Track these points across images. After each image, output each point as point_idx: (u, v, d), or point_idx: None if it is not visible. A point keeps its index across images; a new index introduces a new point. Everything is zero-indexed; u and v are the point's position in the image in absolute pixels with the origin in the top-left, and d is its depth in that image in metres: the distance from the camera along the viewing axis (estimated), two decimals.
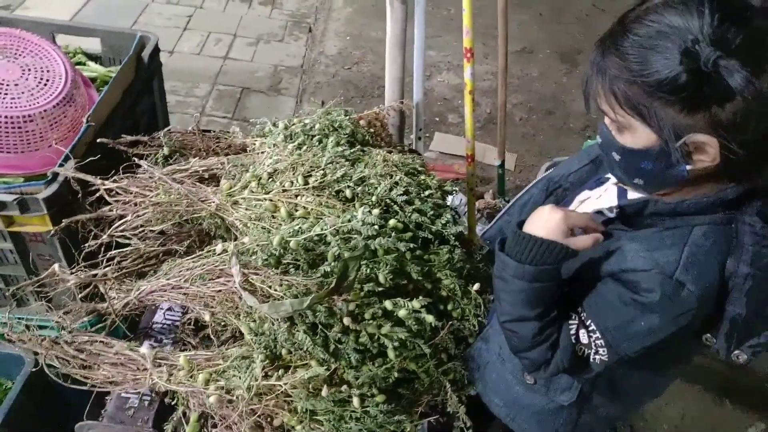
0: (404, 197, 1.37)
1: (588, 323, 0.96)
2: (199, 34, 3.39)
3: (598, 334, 0.94)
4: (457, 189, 2.44)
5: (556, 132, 3.07)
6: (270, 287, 1.13)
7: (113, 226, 1.23)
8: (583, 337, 0.97)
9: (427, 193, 1.45)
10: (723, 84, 0.74)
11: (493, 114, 3.04)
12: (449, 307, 1.34)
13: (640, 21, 0.81)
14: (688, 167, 0.84)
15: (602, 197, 1.08)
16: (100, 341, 1.15)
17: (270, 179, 1.32)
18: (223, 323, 1.22)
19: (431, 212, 1.41)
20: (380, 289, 1.20)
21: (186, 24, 3.45)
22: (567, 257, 0.93)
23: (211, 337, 1.22)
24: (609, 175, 1.10)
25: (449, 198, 1.67)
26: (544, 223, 0.94)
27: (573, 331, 0.98)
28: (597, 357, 0.96)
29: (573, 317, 0.99)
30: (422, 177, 1.52)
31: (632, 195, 1.01)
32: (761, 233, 0.86)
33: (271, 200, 1.27)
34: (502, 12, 1.93)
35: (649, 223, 0.93)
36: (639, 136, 0.85)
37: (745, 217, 0.87)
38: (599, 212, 0.99)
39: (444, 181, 1.59)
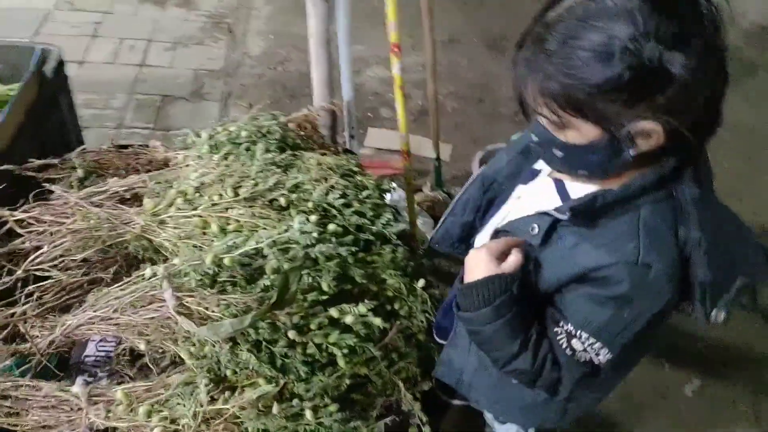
0: (342, 200, 1.34)
1: (576, 332, 0.95)
2: (110, 42, 3.21)
3: (591, 339, 0.94)
4: (395, 185, 2.43)
5: (488, 119, 3.10)
6: (207, 309, 1.07)
7: (28, 260, 1.14)
8: (577, 345, 0.96)
9: (365, 193, 1.42)
10: (665, 74, 0.75)
11: (425, 106, 3.03)
12: (396, 306, 1.32)
13: (567, 21, 0.79)
14: (632, 152, 0.84)
15: (540, 192, 1.07)
16: (27, 385, 1.06)
17: (197, 194, 1.26)
18: (161, 350, 1.16)
19: (371, 213, 1.39)
20: (324, 297, 1.17)
21: (95, 31, 3.26)
22: (512, 281, 0.94)
23: (150, 365, 1.15)
24: (540, 167, 1.10)
25: (388, 196, 1.65)
26: (475, 266, 0.97)
27: (564, 344, 0.97)
28: (600, 358, 0.96)
29: (558, 332, 0.98)
30: (359, 178, 1.50)
31: (571, 186, 1.00)
32: (699, 197, 0.89)
33: (200, 216, 1.21)
34: (425, 4, 1.91)
35: (600, 216, 0.92)
36: (582, 133, 0.85)
37: (684, 186, 0.89)
38: (545, 213, 0.96)
39: (381, 178, 1.57)
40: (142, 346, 1.12)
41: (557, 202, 1.00)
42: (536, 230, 0.96)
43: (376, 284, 1.30)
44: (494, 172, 1.21)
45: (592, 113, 0.81)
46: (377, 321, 1.17)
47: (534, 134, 0.94)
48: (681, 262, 0.90)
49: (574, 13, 0.79)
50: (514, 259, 0.96)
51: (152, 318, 1.10)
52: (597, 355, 0.96)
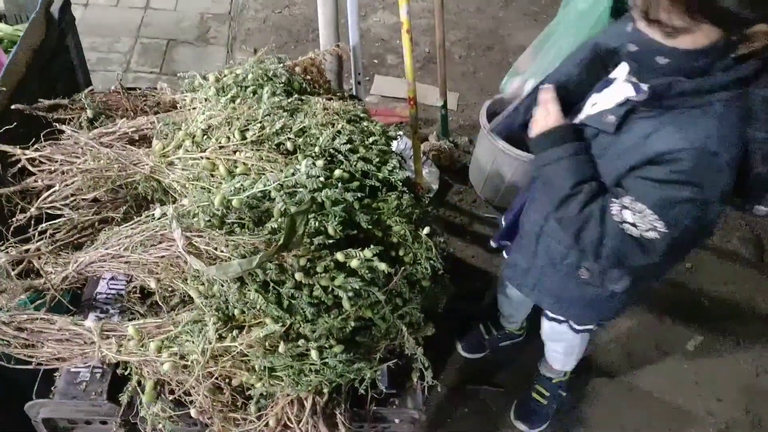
0: (348, 146, 1.34)
1: (630, 204, 1.03)
2: None
3: (646, 210, 1.01)
4: (401, 133, 2.41)
5: (496, 68, 3.06)
6: (216, 249, 1.09)
7: (41, 198, 1.16)
8: (627, 216, 1.03)
9: (371, 140, 1.42)
10: None
11: (432, 53, 2.98)
12: (401, 252, 1.33)
13: None
14: (734, 55, 0.90)
15: (616, 93, 1.11)
16: (41, 318, 1.09)
17: (205, 136, 1.26)
18: (170, 288, 1.19)
19: (377, 159, 1.39)
20: (330, 241, 1.19)
21: None
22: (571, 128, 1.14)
23: (160, 303, 1.18)
24: (615, 76, 1.14)
25: (394, 143, 1.64)
26: (543, 118, 1.16)
27: (615, 211, 1.05)
28: (654, 234, 1.02)
29: (614, 201, 1.06)
30: (365, 123, 1.49)
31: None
32: None
33: (208, 158, 1.22)
34: None
35: (674, 105, 0.98)
36: (697, 37, 0.88)
37: (758, 90, 0.94)
38: (622, 104, 1.04)
39: (387, 125, 1.56)
40: (152, 284, 1.15)
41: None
42: (612, 119, 1.05)
43: (381, 230, 1.32)
44: (567, 80, 1.26)
45: (720, 16, 0.84)
46: (382, 266, 1.19)
47: (632, 43, 0.96)
48: (743, 156, 0.97)
49: None
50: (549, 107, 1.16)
51: (162, 257, 1.12)
52: (652, 229, 1.01)
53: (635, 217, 1.03)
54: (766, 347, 2.19)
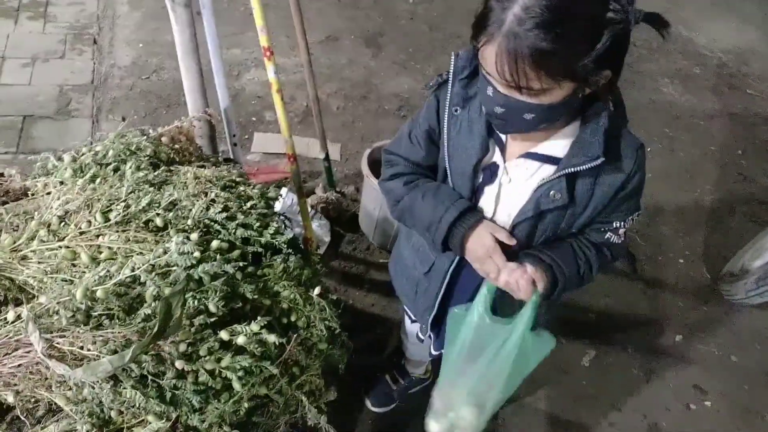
0: (224, 214, 1.28)
1: (623, 224, 1.18)
2: None
3: (635, 215, 1.19)
4: (285, 190, 2.38)
5: (374, 116, 3.11)
6: (82, 348, 0.99)
7: None
8: (622, 230, 1.19)
9: (249, 204, 1.37)
10: (628, 32, 0.90)
11: (310, 107, 2.99)
12: (293, 318, 1.28)
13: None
14: (582, 95, 1.00)
15: (520, 175, 1.13)
16: None
17: (62, 223, 1.15)
18: (33, 399, 1.05)
19: (257, 224, 1.33)
20: (213, 319, 1.11)
21: None
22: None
23: (22, 418, 1.04)
24: (494, 160, 1.15)
25: (279, 202, 1.60)
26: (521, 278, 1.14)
27: (615, 239, 1.19)
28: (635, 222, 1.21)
29: (609, 237, 1.19)
30: (242, 188, 1.44)
31: (543, 147, 1.11)
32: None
33: (67, 247, 1.11)
34: (294, 7, 1.87)
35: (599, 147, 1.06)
36: (559, 93, 0.95)
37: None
38: (563, 175, 1.07)
39: (268, 186, 1.52)
40: (10, 399, 1.01)
41: (551, 168, 1.10)
42: (558, 195, 1.08)
43: (269, 297, 1.26)
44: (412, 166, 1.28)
45: (580, 74, 0.91)
46: (272, 338, 1.13)
47: (498, 106, 1.00)
48: None
49: None
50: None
51: (19, 366, 0.99)
52: (634, 221, 1.21)
53: (629, 225, 1.19)
54: (651, 352, 2.32)
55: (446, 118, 1.14)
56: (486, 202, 1.18)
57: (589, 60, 0.89)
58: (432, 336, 1.49)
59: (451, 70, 1.12)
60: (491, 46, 0.92)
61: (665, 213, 2.91)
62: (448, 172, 1.19)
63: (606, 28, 0.87)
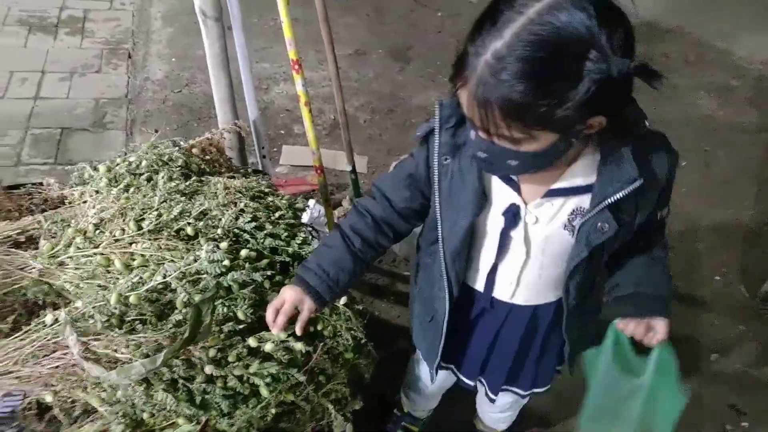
0: (253, 224, 1.31)
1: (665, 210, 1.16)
2: None
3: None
4: (312, 202, 2.41)
5: (400, 129, 3.14)
6: (116, 351, 1.02)
7: None
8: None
9: (277, 214, 1.40)
10: (622, 79, 0.82)
11: (338, 120, 3.03)
12: (319, 327, 1.30)
13: (523, 47, 0.80)
14: (576, 140, 0.94)
15: (549, 215, 1.08)
16: None
17: (98, 231, 1.19)
18: (70, 399, 1.08)
19: (285, 234, 1.36)
20: (241, 326, 1.14)
21: None
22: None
23: (59, 418, 1.08)
24: (516, 201, 1.10)
25: (306, 213, 1.62)
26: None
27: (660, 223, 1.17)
28: None
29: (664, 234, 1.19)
30: (270, 199, 1.47)
31: (568, 179, 1.06)
32: None
33: (102, 254, 1.15)
34: (323, 21, 1.91)
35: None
36: (541, 141, 0.89)
37: None
38: (605, 208, 1.03)
39: (296, 197, 1.55)
40: (48, 399, 1.05)
41: (578, 199, 1.06)
42: (606, 226, 1.03)
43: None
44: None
45: (558, 124, 0.86)
46: (299, 345, 1.15)
47: (482, 152, 0.96)
48: None
49: (526, 38, 0.80)
50: None
51: (57, 367, 1.03)
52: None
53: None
54: (685, 371, 2.22)
55: (436, 167, 1.11)
56: (515, 248, 1.14)
57: (567, 111, 0.83)
58: (453, 370, 1.47)
59: (437, 119, 1.08)
60: (465, 91, 0.88)
61: (700, 229, 2.85)
62: (439, 222, 1.16)
63: (584, 78, 0.81)
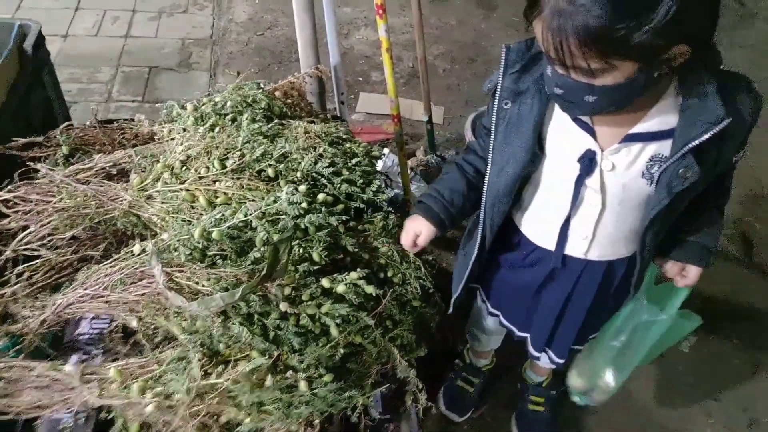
0: (331, 169, 1.32)
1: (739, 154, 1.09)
2: (93, 14, 3.14)
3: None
4: (386, 151, 2.40)
5: (480, 80, 3.05)
6: (197, 283, 1.07)
7: (16, 239, 1.13)
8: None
9: (354, 161, 1.41)
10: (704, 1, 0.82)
11: (416, 68, 2.98)
12: (389, 274, 1.31)
13: None
14: (659, 73, 0.90)
15: (626, 161, 1.04)
16: (19, 365, 1.06)
17: (184, 167, 1.24)
18: (153, 326, 1.15)
19: (360, 181, 1.37)
20: (315, 267, 1.16)
21: (77, 4, 3.19)
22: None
23: (143, 342, 1.15)
24: (592, 147, 1.06)
25: (380, 161, 1.62)
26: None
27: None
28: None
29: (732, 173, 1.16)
30: (348, 145, 1.47)
31: (647, 122, 1.01)
32: None
33: (187, 190, 1.20)
34: None
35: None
36: (620, 73, 0.87)
37: None
38: (688, 152, 0.98)
39: (371, 145, 1.55)
40: (133, 324, 1.12)
41: (657, 144, 1.02)
42: (689, 172, 0.99)
43: (368, 252, 1.30)
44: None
45: (637, 51, 0.83)
46: (370, 288, 1.17)
47: (557, 87, 0.94)
48: None
49: None
50: None
51: (142, 294, 1.09)
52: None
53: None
54: (759, 344, 2.17)
55: (495, 111, 1.10)
56: (590, 198, 1.11)
57: (646, 36, 0.79)
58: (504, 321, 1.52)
59: (502, 63, 1.07)
60: (539, 22, 0.86)
61: None
62: (490, 165, 1.17)
63: None
